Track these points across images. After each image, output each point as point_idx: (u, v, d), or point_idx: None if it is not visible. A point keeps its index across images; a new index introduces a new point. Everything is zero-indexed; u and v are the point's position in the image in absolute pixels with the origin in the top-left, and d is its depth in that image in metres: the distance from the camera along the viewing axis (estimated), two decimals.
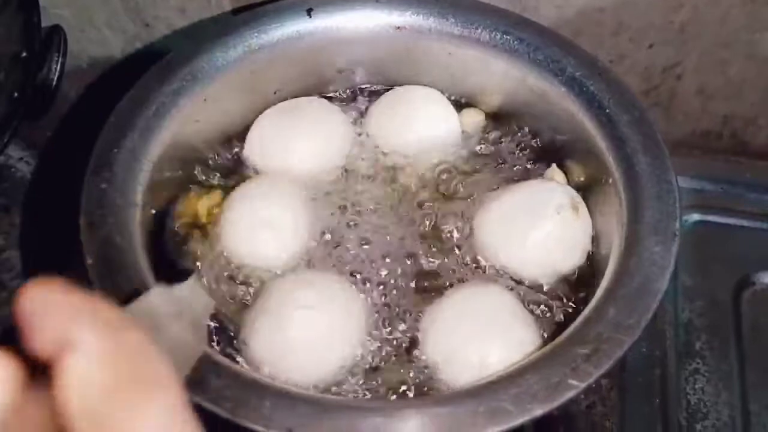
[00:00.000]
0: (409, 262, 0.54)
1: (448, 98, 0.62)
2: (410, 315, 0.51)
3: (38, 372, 0.21)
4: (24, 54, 0.51)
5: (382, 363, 0.49)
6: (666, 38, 0.68)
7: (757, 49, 0.69)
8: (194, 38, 0.59)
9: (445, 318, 0.49)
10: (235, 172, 0.59)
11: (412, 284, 0.53)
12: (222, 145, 0.60)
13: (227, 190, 0.57)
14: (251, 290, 0.52)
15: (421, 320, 0.50)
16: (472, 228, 0.55)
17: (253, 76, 0.59)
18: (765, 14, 0.65)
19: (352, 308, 0.50)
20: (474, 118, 0.62)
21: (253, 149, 0.59)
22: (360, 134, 0.61)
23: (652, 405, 0.58)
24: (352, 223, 0.56)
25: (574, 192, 0.55)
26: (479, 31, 0.58)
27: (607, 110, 0.53)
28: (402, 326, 0.51)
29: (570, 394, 0.40)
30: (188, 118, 0.55)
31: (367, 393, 0.48)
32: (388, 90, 0.63)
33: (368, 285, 0.53)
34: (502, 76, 0.59)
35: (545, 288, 0.53)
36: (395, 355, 0.50)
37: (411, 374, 0.48)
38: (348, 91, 0.64)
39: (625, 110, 0.53)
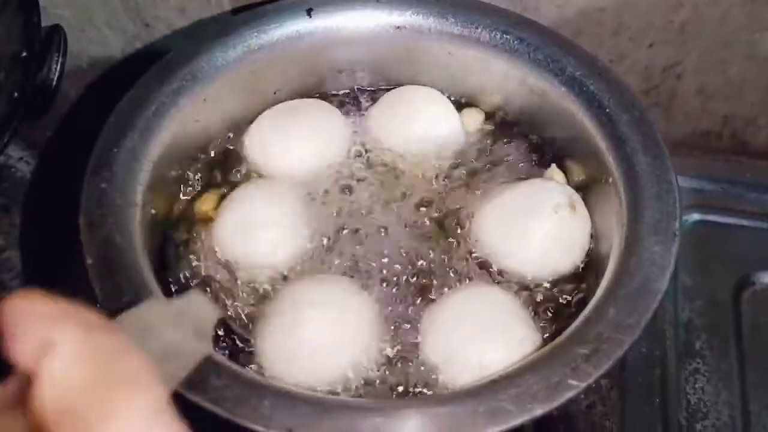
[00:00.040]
0: (408, 262, 0.54)
1: (448, 98, 0.62)
2: (410, 315, 0.51)
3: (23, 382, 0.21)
4: (24, 54, 0.51)
5: (384, 364, 0.49)
6: (666, 38, 0.68)
7: (757, 49, 0.69)
8: (194, 38, 0.59)
9: (444, 318, 0.49)
10: (234, 173, 0.59)
11: (412, 284, 0.53)
12: (222, 145, 0.60)
13: (226, 191, 0.57)
14: (251, 291, 0.52)
15: (421, 321, 0.50)
16: (472, 228, 0.55)
17: (253, 76, 0.59)
18: (765, 14, 0.65)
19: (365, 313, 0.50)
20: (474, 118, 0.62)
21: (253, 149, 0.59)
22: (360, 134, 0.61)
23: (652, 405, 0.58)
24: (352, 223, 0.56)
25: (572, 191, 0.55)
26: (479, 31, 0.58)
27: (607, 110, 0.53)
28: (402, 326, 0.51)
29: (570, 394, 0.40)
30: (188, 118, 0.55)
31: (368, 394, 0.48)
32: (388, 90, 0.63)
33: (368, 284, 0.53)
34: (502, 76, 0.59)
35: (545, 287, 0.53)
36: (395, 356, 0.50)
37: (411, 374, 0.48)
38: (348, 91, 0.64)
39: (625, 110, 0.53)
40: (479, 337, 0.47)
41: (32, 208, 0.66)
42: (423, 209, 0.57)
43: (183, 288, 0.52)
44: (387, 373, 0.49)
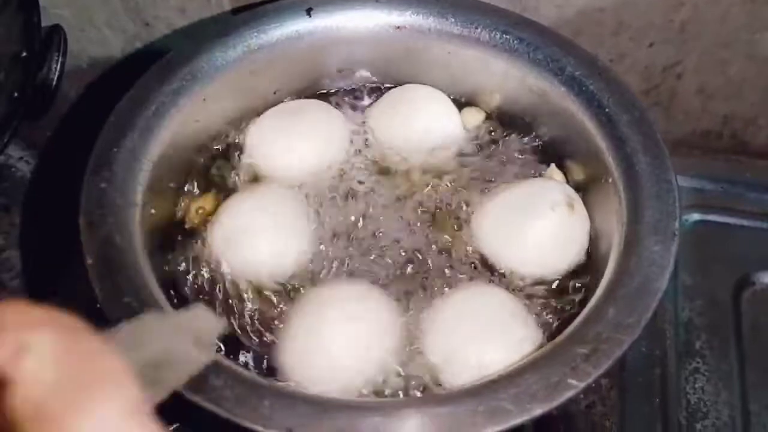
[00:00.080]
0: (408, 262, 0.54)
1: (448, 98, 0.62)
2: (409, 315, 0.51)
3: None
4: (24, 54, 0.51)
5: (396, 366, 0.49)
6: (666, 37, 0.68)
7: (757, 48, 0.69)
8: (194, 38, 0.59)
9: (444, 318, 0.49)
10: (234, 172, 0.59)
11: (412, 284, 0.53)
12: (222, 144, 0.60)
13: (226, 191, 0.57)
14: (251, 294, 0.52)
15: (421, 320, 0.50)
16: (471, 227, 0.55)
17: (253, 76, 0.59)
18: (765, 14, 0.65)
19: (388, 322, 0.50)
20: (474, 118, 0.62)
21: (253, 150, 0.59)
22: (360, 134, 0.61)
23: (652, 404, 0.58)
24: (352, 223, 0.56)
25: (570, 189, 0.55)
26: (479, 30, 0.58)
27: (607, 110, 0.53)
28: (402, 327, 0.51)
29: (569, 394, 0.40)
30: (188, 118, 0.55)
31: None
32: (388, 89, 0.63)
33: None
34: (502, 75, 0.59)
35: (544, 287, 0.53)
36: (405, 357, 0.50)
37: (411, 374, 0.48)
38: (348, 90, 0.64)
39: (625, 110, 0.53)
40: (479, 337, 0.47)
41: (32, 208, 0.66)
42: (423, 209, 0.57)
43: (182, 287, 0.52)
44: (387, 373, 0.48)
